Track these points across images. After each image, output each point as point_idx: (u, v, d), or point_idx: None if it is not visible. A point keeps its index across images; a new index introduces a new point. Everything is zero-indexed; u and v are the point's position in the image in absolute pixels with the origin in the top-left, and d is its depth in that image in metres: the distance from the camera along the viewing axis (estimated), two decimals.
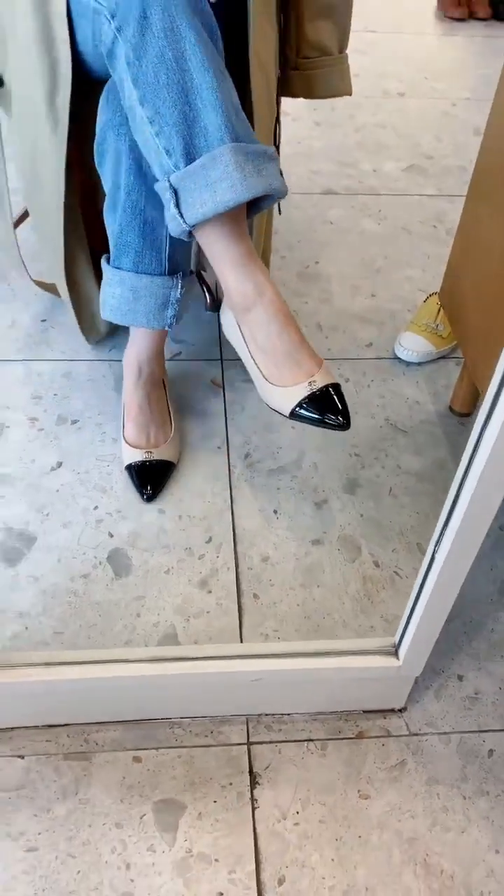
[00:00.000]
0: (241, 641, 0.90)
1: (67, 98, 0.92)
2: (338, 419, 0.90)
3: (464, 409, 1.20)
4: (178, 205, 0.84)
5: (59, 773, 0.80)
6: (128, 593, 0.94)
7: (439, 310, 1.29)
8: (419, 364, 1.28)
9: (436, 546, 0.63)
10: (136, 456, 1.06)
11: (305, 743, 0.84)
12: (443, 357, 1.30)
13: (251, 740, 0.84)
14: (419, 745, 0.84)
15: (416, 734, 0.85)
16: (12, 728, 0.83)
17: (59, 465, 1.09)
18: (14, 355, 1.25)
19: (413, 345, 1.27)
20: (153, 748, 0.82)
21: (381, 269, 1.49)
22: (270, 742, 0.84)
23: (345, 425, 0.90)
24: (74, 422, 1.15)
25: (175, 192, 0.84)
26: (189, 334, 1.30)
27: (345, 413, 0.91)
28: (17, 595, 0.93)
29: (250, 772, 0.81)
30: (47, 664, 0.72)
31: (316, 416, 0.90)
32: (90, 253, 1.12)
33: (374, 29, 2.50)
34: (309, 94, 1.14)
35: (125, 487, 1.06)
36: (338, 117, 1.99)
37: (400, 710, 0.87)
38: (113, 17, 0.80)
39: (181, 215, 0.85)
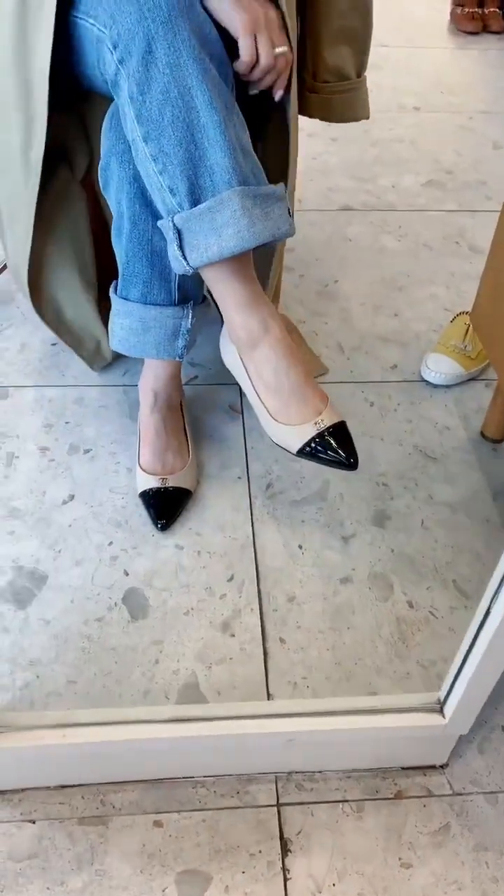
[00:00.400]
0: (268, 690, 0.84)
1: (41, 155, 0.88)
2: (346, 459, 0.88)
3: (497, 435, 1.13)
4: (181, 246, 0.81)
5: (73, 839, 0.74)
6: (145, 637, 0.88)
7: (468, 329, 1.23)
8: (447, 387, 1.22)
9: (491, 601, 0.56)
10: (151, 482, 1.00)
11: (340, 804, 0.77)
12: (472, 379, 1.24)
13: (281, 801, 0.77)
14: (464, 806, 0.77)
15: (460, 793, 0.78)
16: (22, 789, 0.76)
17: (72, 497, 1.03)
18: (24, 381, 1.19)
19: (441, 366, 1.21)
20: (175, 811, 0.76)
21: (404, 288, 1.44)
22: (302, 803, 0.77)
23: (353, 465, 0.88)
24: (87, 451, 1.09)
25: (179, 232, 0.80)
26: (205, 357, 1.25)
27: (352, 452, 0.88)
28: (29, 640, 0.87)
29: (281, 837, 0.74)
30: (60, 725, 0.66)
31: (323, 456, 0.88)
32: (96, 274, 1.07)
33: (387, 43, 2.47)
34: (327, 117, 1.10)
35: (141, 521, 1.00)
36: (353, 133, 1.94)
37: (441, 767, 0.80)
38: (115, 47, 0.76)
39: (184, 257, 0.81)
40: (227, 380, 1.20)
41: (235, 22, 0.81)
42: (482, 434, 1.15)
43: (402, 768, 0.80)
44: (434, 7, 2.83)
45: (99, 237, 1.06)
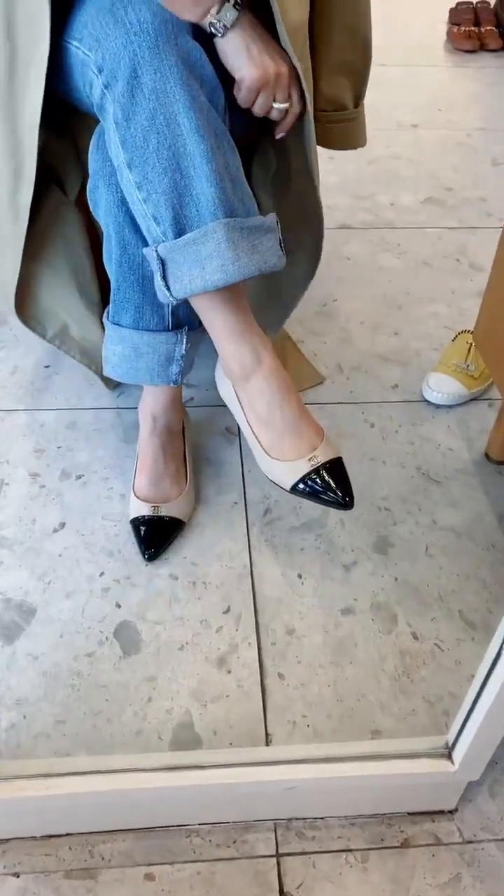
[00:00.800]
0: (266, 730, 0.80)
1: (28, 200, 0.87)
2: (340, 498, 0.84)
3: (502, 456, 1.10)
4: (164, 276, 0.78)
5: (60, 894, 0.69)
6: (137, 674, 0.84)
7: (470, 348, 1.20)
8: (450, 407, 1.19)
9: (502, 644, 0.52)
10: (142, 510, 0.97)
11: (343, 854, 0.73)
12: (475, 399, 1.21)
13: (280, 851, 0.73)
14: (475, 855, 0.73)
15: (471, 841, 0.74)
16: (7, 840, 0.72)
17: (62, 525, 0.99)
18: (15, 405, 1.16)
19: (443, 386, 1.18)
20: (168, 863, 0.71)
21: (404, 306, 1.41)
22: (303, 853, 0.73)
23: (348, 504, 0.85)
24: (79, 477, 1.06)
25: (162, 262, 0.78)
26: (202, 379, 1.22)
27: (348, 490, 0.85)
28: (15, 678, 0.83)
29: (280, 891, 0.70)
30: (45, 775, 0.62)
31: (317, 494, 0.85)
32: (100, 292, 1.04)
33: (384, 62, 2.46)
34: (323, 143, 1.08)
35: (134, 550, 0.96)
36: (351, 151, 1.92)
37: (450, 812, 0.76)
38: (100, 71, 0.73)
39: (167, 287, 0.79)
40: (223, 402, 1.17)
41: (245, 77, 0.81)
42: (486, 455, 1.11)
43: (409, 814, 0.75)
44: (431, 26, 2.83)
45: (99, 255, 1.04)
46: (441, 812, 0.76)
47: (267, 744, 0.79)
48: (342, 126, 1.05)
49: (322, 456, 0.85)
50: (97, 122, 0.86)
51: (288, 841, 0.73)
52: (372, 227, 1.64)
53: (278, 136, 0.90)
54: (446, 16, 2.79)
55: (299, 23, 0.85)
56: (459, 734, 0.63)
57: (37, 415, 1.15)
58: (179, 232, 0.77)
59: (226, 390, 0.91)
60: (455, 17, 2.66)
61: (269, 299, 1.10)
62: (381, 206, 1.71)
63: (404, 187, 1.79)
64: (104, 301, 1.04)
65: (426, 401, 1.20)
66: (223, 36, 0.79)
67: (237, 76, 0.81)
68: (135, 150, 0.75)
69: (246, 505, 1.03)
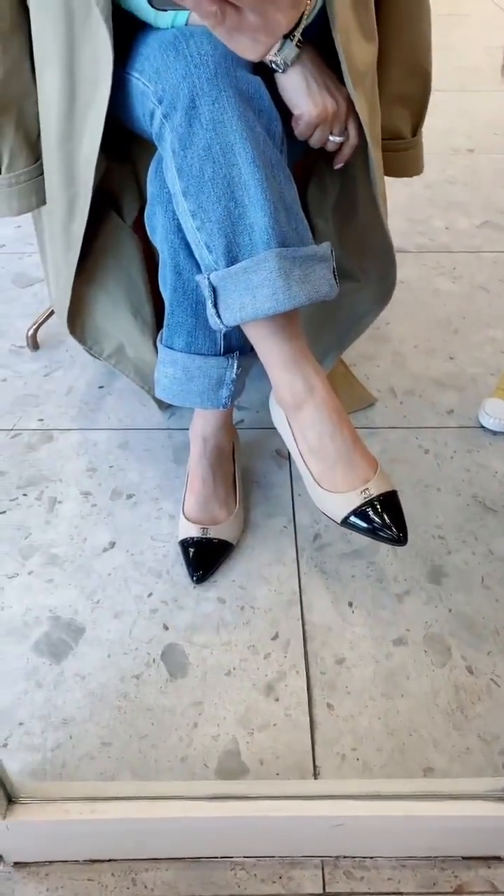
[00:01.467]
0: (314, 762, 0.78)
1: (81, 230, 0.90)
2: (394, 533, 0.82)
3: None
4: (215, 304, 0.79)
5: None
6: (184, 698, 0.83)
7: None
8: None
9: None
10: (191, 531, 0.96)
11: None
12: None
13: (328, 890, 0.70)
14: None
15: None
16: (49, 862, 0.71)
17: (112, 545, 1.00)
18: (69, 424, 1.18)
19: (500, 412, 1.15)
20: (211, 895, 0.70)
21: (459, 331, 1.38)
22: (351, 893, 0.70)
23: (402, 540, 0.82)
24: (130, 496, 1.06)
25: (214, 290, 0.78)
26: (252, 401, 1.21)
27: (402, 526, 0.83)
28: (63, 697, 0.83)
29: None
30: (90, 798, 0.61)
31: (369, 528, 0.83)
32: (154, 315, 1.05)
33: (439, 88, 2.46)
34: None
35: (182, 571, 0.96)
36: None
37: None
38: (160, 102, 0.75)
39: (218, 315, 0.79)
40: (273, 424, 1.17)
41: (303, 114, 0.82)
42: None
43: (463, 858, 0.72)
44: (487, 52, 2.82)
45: (155, 279, 1.05)
46: (498, 858, 0.72)
47: (315, 776, 0.76)
48: (399, 155, 1.05)
49: (375, 489, 0.83)
50: (156, 148, 0.88)
51: (336, 880, 0.71)
52: (427, 250, 1.62)
53: (336, 166, 0.90)
54: (501, 42, 2.78)
55: (367, 67, 0.85)
56: None
57: (90, 434, 1.16)
58: (232, 260, 0.77)
59: (278, 417, 0.90)
60: None
61: (326, 328, 1.09)
62: (436, 230, 1.69)
63: (460, 211, 1.77)
64: (158, 324, 1.05)
65: (483, 427, 1.17)
66: (284, 72, 0.79)
67: (295, 112, 0.82)
68: (190, 179, 0.76)
69: (295, 529, 1.02)
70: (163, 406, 1.18)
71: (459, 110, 2.33)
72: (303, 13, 0.75)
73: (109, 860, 0.71)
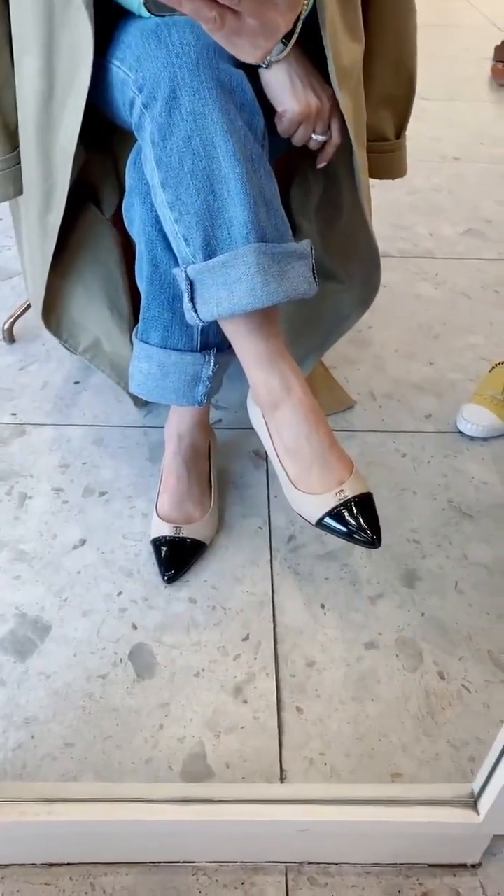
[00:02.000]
0: (281, 766, 0.76)
1: (58, 221, 0.88)
2: (367, 535, 0.81)
3: None
4: (192, 298, 0.77)
5: None
6: (150, 699, 0.82)
7: None
8: (485, 439, 1.16)
9: None
10: (164, 530, 0.95)
11: None
12: None
13: None
14: None
15: None
16: (6, 865, 0.69)
17: (83, 542, 0.98)
18: (43, 419, 1.16)
19: (478, 418, 1.15)
20: None
21: (440, 336, 1.38)
22: None
23: (375, 542, 0.82)
24: (102, 494, 1.05)
25: (191, 284, 0.77)
26: (230, 401, 1.20)
27: (376, 528, 0.82)
28: (26, 696, 0.81)
29: None
30: (48, 800, 0.59)
31: (343, 530, 0.82)
32: (132, 311, 1.04)
33: (427, 96, 2.48)
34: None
35: (154, 571, 0.94)
36: (391, 181, 1.92)
37: (473, 866, 0.71)
38: (140, 91, 0.74)
39: (195, 310, 0.78)
40: (251, 424, 1.16)
41: (287, 111, 0.81)
42: None
43: (429, 865, 0.71)
44: (476, 63, 2.84)
45: (133, 273, 1.04)
46: (463, 865, 0.71)
47: (281, 780, 0.75)
48: (383, 156, 1.04)
49: (350, 491, 0.82)
50: (136, 140, 0.86)
51: (299, 886, 0.69)
52: (410, 255, 1.62)
53: (319, 165, 0.89)
54: (490, 53, 2.80)
55: (352, 64, 0.85)
56: (486, 783, 0.59)
57: (64, 430, 1.14)
58: (210, 254, 0.76)
59: (256, 417, 0.89)
60: (500, 54, 2.66)
61: (308, 329, 1.09)
62: (420, 236, 1.70)
63: (444, 218, 1.78)
64: (135, 319, 1.04)
65: (460, 432, 1.16)
66: (268, 68, 0.79)
67: (279, 109, 0.81)
68: (169, 170, 0.75)
69: (270, 531, 1.01)
70: (139, 403, 1.17)
71: (448, 119, 2.34)
72: (299, 14, 0.75)
73: (67, 864, 0.70)
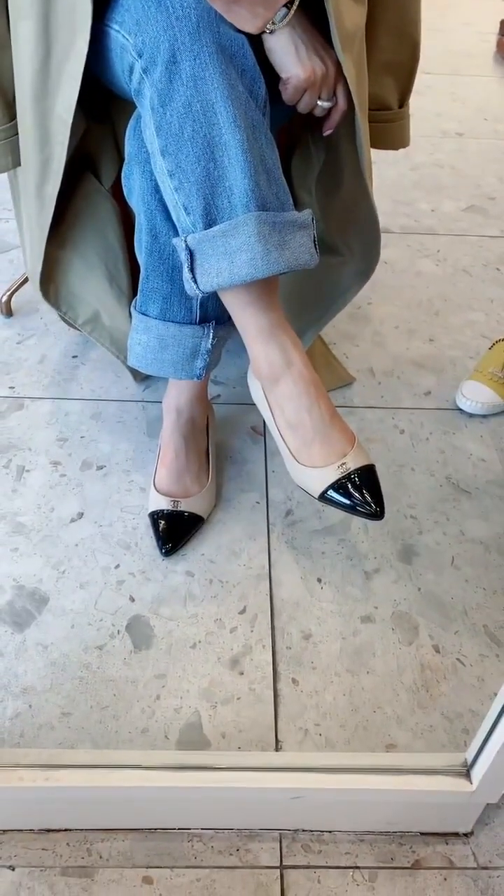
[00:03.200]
0: (276, 736, 0.77)
1: (55, 191, 0.87)
2: (371, 507, 0.81)
3: None
4: (192, 269, 0.76)
5: (54, 891, 0.67)
6: (147, 670, 0.82)
7: None
8: (484, 416, 1.15)
9: None
10: (162, 504, 0.95)
11: (350, 871, 0.69)
12: None
13: (285, 863, 0.70)
14: (489, 882, 0.69)
15: (486, 867, 0.70)
16: (4, 831, 0.70)
17: (80, 515, 0.98)
18: (41, 392, 1.16)
19: (477, 395, 1.15)
20: (167, 867, 0.69)
21: (440, 313, 1.37)
22: (308, 867, 0.69)
23: (378, 514, 0.82)
24: (100, 468, 1.04)
25: (191, 254, 0.76)
26: (229, 376, 1.20)
27: (379, 500, 0.82)
28: (23, 666, 0.82)
29: None
30: (45, 766, 0.60)
31: (347, 503, 0.82)
32: (131, 283, 1.03)
33: (430, 70, 2.44)
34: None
35: (151, 544, 0.94)
36: (393, 156, 1.91)
37: (465, 835, 0.72)
38: (140, 55, 0.72)
39: (195, 280, 0.77)
40: (250, 400, 1.15)
41: (291, 78, 0.79)
42: None
43: (422, 834, 0.72)
44: (480, 37, 2.80)
45: (133, 245, 1.03)
46: (455, 834, 0.72)
47: (277, 750, 0.76)
48: (385, 126, 1.03)
49: (352, 463, 0.82)
50: (136, 108, 0.85)
51: (293, 853, 0.70)
52: (412, 232, 1.61)
53: (326, 132, 0.88)
54: (495, 27, 2.76)
55: (355, 28, 0.83)
56: (479, 753, 0.59)
57: (62, 404, 1.14)
58: (210, 223, 0.75)
59: (256, 391, 0.89)
60: None
61: (308, 302, 1.08)
62: (421, 212, 1.68)
63: (446, 194, 1.76)
64: (135, 292, 1.03)
65: (459, 409, 1.16)
66: (272, 33, 0.77)
67: (283, 75, 0.80)
68: (169, 137, 0.73)
69: (268, 505, 1.01)
70: (138, 377, 1.16)
71: (450, 94, 2.31)
72: None
73: (65, 829, 0.70)
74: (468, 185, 1.81)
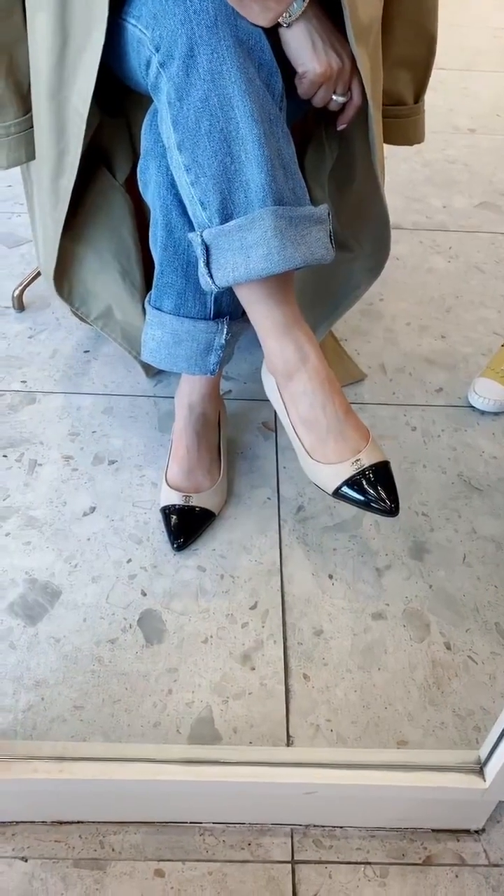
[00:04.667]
0: (288, 731, 0.77)
1: (70, 185, 0.87)
2: (385, 504, 0.81)
3: None
4: (208, 263, 0.76)
5: (67, 883, 0.67)
6: (159, 664, 0.82)
7: None
8: (496, 414, 1.15)
9: None
10: (174, 499, 0.95)
11: (362, 867, 0.69)
12: None
13: (296, 858, 0.70)
14: (501, 880, 0.69)
15: (497, 864, 0.70)
16: (16, 822, 0.71)
17: (93, 509, 0.98)
18: (53, 387, 1.16)
19: (489, 392, 1.14)
20: (179, 860, 0.69)
21: (452, 309, 1.37)
22: (319, 862, 0.70)
23: (393, 511, 0.81)
24: (112, 462, 1.05)
25: (207, 248, 0.76)
26: (241, 372, 1.20)
27: (393, 496, 0.82)
28: (36, 659, 0.82)
29: None
30: (59, 758, 0.60)
31: (361, 499, 0.82)
32: (144, 279, 1.03)
33: (443, 66, 2.43)
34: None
35: (163, 539, 0.95)
36: (405, 152, 1.90)
37: (477, 832, 0.72)
38: (157, 49, 0.72)
39: (210, 275, 0.77)
40: (261, 396, 1.15)
41: (307, 72, 0.79)
42: None
43: (433, 830, 0.72)
44: (493, 33, 2.79)
45: (146, 240, 1.03)
46: (467, 831, 0.72)
47: (288, 746, 0.76)
48: (400, 121, 1.03)
49: (367, 459, 0.82)
50: (152, 101, 0.85)
51: (304, 848, 0.70)
52: (424, 228, 1.60)
53: (340, 127, 0.88)
54: None
55: (370, 20, 0.82)
56: (493, 750, 0.59)
57: (74, 398, 1.14)
58: (226, 217, 0.75)
59: (271, 387, 0.89)
60: None
61: (319, 297, 1.08)
62: (433, 209, 1.67)
63: (458, 191, 1.75)
64: (148, 287, 1.03)
65: (471, 406, 1.16)
66: (289, 27, 0.77)
67: (299, 70, 0.80)
68: (186, 132, 0.73)
69: (279, 501, 1.01)
70: (150, 372, 1.16)
71: (463, 90, 2.30)
72: None
73: (77, 822, 0.71)
74: (480, 181, 1.80)
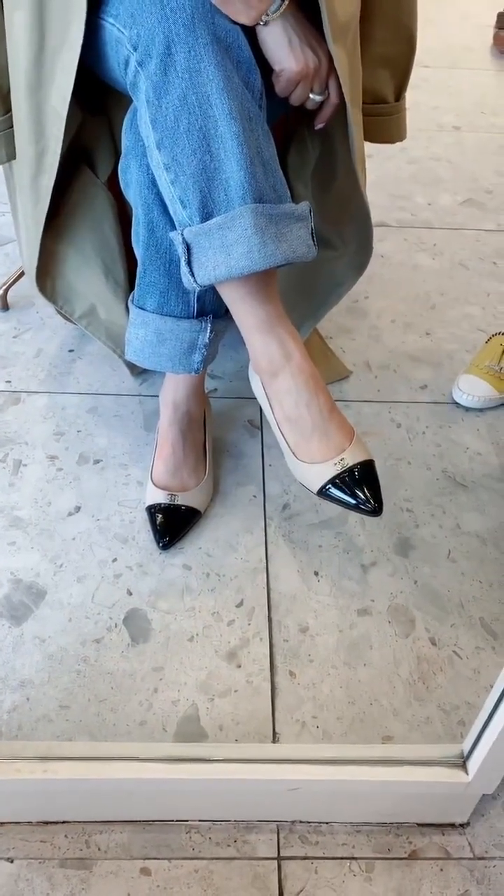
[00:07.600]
0: (274, 728, 0.77)
1: (50, 183, 0.86)
2: (370, 505, 0.81)
3: None
4: (189, 262, 0.76)
5: (53, 883, 0.67)
6: (145, 663, 0.82)
7: (503, 351, 1.17)
8: (480, 410, 1.16)
9: None
10: (159, 497, 0.95)
11: (348, 862, 0.70)
12: None
13: (282, 854, 0.70)
14: (485, 873, 0.70)
15: (482, 857, 0.71)
16: (2, 823, 0.70)
17: (78, 509, 0.98)
18: (37, 387, 1.15)
19: (473, 388, 1.15)
20: (165, 858, 0.69)
21: (437, 306, 1.37)
22: (305, 858, 0.70)
23: (376, 511, 0.82)
24: (97, 462, 1.04)
25: (188, 247, 0.76)
26: (226, 370, 1.20)
27: (377, 496, 0.82)
28: (21, 660, 0.82)
29: None
30: (43, 758, 0.60)
31: (345, 499, 0.82)
32: (128, 277, 1.03)
33: (427, 64, 2.43)
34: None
35: (148, 538, 0.95)
36: (390, 150, 1.90)
37: (462, 826, 0.72)
38: (135, 48, 0.72)
39: (192, 273, 0.77)
40: (247, 394, 1.15)
41: (284, 70, 0.79)
42: None
43: (418, 825, 0.72)
44: (478, 30, 2.80)
45: (129, 239, 1.03)
46: (452, 825, 0.72)
47: (274, 742, 0.76)
48: (382, 119, 1.03)
49: (350, 459, 0.82)
50: (132, 101, 0.85)
51: (290, 844, 0.71)
52: (408, 226, 1.61)
53: (317, 126, 0.88)
54: (492, 20, 2.75)
55: (348, 19, 0.83)
56: (475, 744, 0.59)
57: (58, 398, 1.14)
58: (206, 216, 0.75)
59: (257, 386, 0.89)
60: (502, 21, 2.61)
61: (303, 295, 1.08)
62: (418, 206, 1.68)
63: (443, 188, 1.76)
64: (131, 285, 1.03)
65: (455, 403, 1.16)
66: (265, 24, 0.77)
67: (276, 68, 0.80)
68: (165, 131, 0.73)
69: (265, 499, 1.01)
70: (134, 371, 1.16)
71: (447, 87, 2.30)
72: None
73: (63, 822, 0.71)
74: (465, 178, 1.81)
